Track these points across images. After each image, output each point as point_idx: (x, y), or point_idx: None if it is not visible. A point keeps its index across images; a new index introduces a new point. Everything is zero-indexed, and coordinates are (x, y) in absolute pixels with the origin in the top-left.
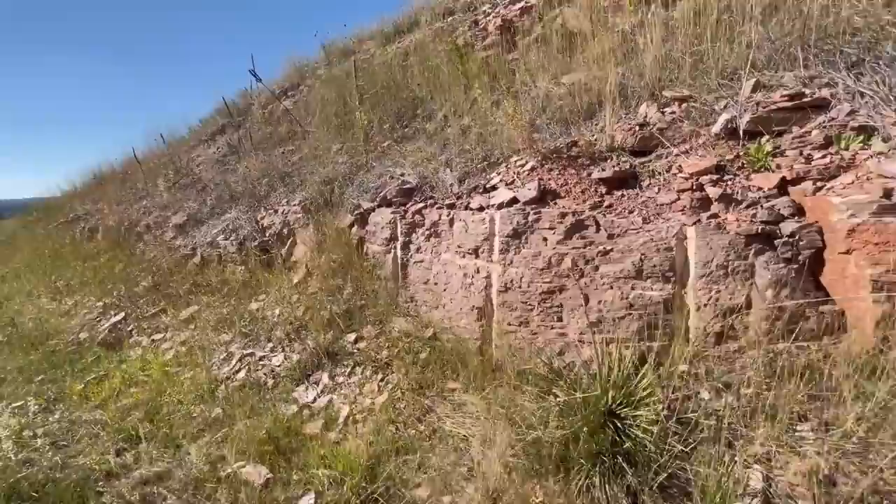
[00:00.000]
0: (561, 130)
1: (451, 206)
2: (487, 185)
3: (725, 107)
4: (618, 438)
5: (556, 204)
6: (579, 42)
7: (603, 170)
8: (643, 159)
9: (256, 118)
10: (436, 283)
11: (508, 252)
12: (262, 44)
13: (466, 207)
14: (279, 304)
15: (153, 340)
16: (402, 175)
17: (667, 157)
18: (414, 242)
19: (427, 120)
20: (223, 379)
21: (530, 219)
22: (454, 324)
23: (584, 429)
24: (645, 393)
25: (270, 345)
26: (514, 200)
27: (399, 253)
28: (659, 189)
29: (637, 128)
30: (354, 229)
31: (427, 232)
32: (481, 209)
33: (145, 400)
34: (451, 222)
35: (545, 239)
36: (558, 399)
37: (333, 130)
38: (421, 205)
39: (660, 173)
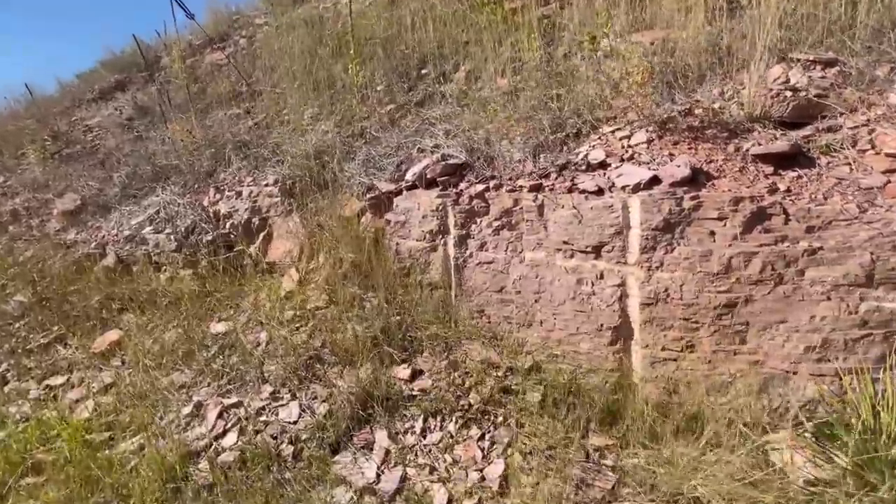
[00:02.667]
0: (661, 96)
1: (537, 188)
2: (591, 161)
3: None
4: None
5: (714, 186)
6: None
7: (758, 143)
8: (801, 132)
9: (174, 73)
10: (518, 292)
11: (655, 251)
12: None
13: (569, 190)
14: (265, 326)
15: (48, 388)
16: (437, 147)
17: (838, 131)
18: (475, 236)
19: (441, 80)
20: (201, 450)
21: (686, 205)
22: (566, 349)
23: None
24: None
25: (268, 388)
26: (653, 181)
27: (452, 251)
28: (851, 168)
29: (788, 93)
30: (367, 218)
31: (496, 222)
32: (599, 192)
33: None
34: (541, 209)
35: (712, 233)
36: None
37: (302, 90)
38: (480, 186)
39: (840, 149)
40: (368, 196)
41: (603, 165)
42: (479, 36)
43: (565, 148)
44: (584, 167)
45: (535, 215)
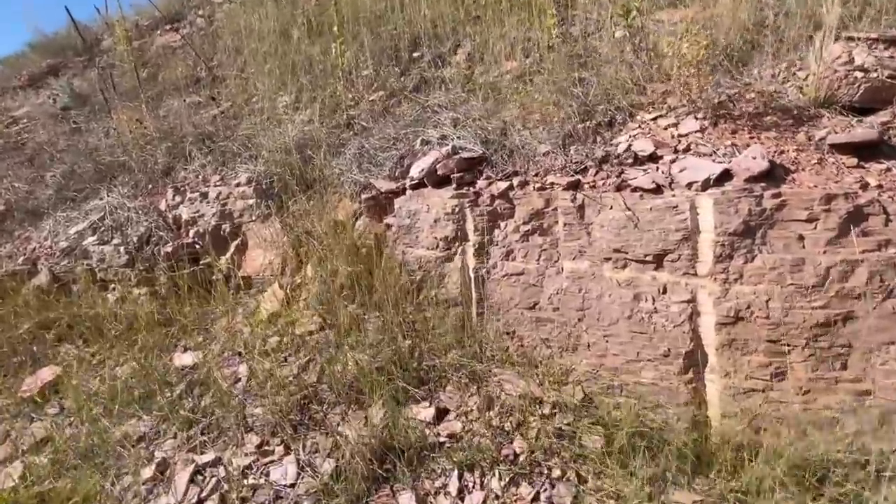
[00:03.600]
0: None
1: (574, 186)
2: (638, 153)
3: None
4: None
5: (794, 181)
6: None
7: (834, 131)
8: (877, 118)
9: (119, 56)
10: (556, 309)
11: (732, 259)
12: None
13: (618, 188)
14: (244, 357)
15: None
16: (445, 139)
17: None
18: (499, 243)
19: (438, 63)
20: None
21: (767, 205)
22: (625, 379)
23: None
24: None
25: (254, 439)
26: (724, 176)
27: (472, 260)
28: None
29: (858, 74)
30: (363, 222)
31: (524, 226)
32: (657, 190)
33: None
34: (582, 211)
35: (801, 237)
36: None
37: (274, 75)
38: (502, 184)
39: None
40: (364, 197)
41: (653, 158)
42: (481, 14)
43: (598, 138)
44: (630, 160)
45: (574, 218)
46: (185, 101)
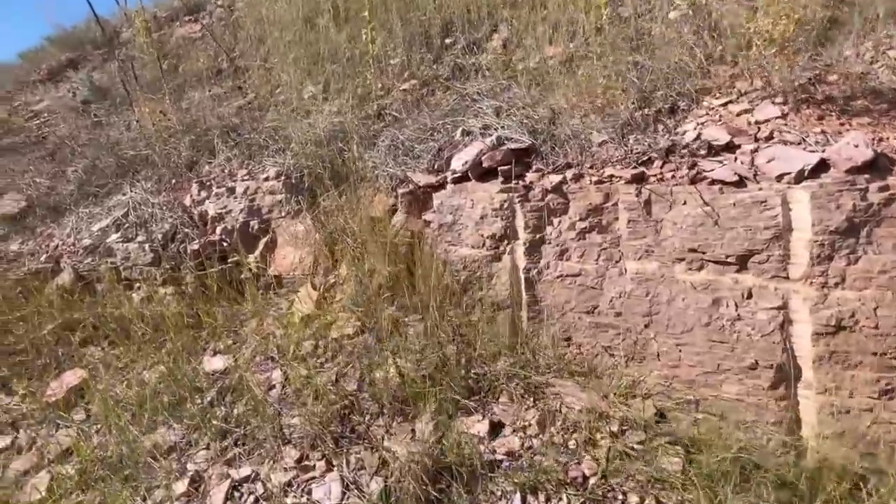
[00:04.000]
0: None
1: (639, 179)
2: (712, 143)
3: None
4: None
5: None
6: None
7: None
8: None
9: (139, 48)
10: (619, 314)
11: (832, 261)
12: None
13: (693, 180)
14: (278, 362)
15: None
16: (487, 128)
17: None
18: (552, 241)
19: (473, 50)
20: None
21: (874, 199)
22: (703, 392)
23: None
24: None
25: (293, 452)
26: (821, 166)
27: (522, 260)
28: None
29: None
30: (399, 218)
31: (581, 223)
32: (739, 182)
33: None
34: (648, 206)
35: None
36: None
37: (299, 65)
38: (555, 177)
39: None
40: (401, 191)
41: (730, 148)
42: None
43: (660, 126)
44: (702, 151)
45: (639, 214)
46: (208, 92)
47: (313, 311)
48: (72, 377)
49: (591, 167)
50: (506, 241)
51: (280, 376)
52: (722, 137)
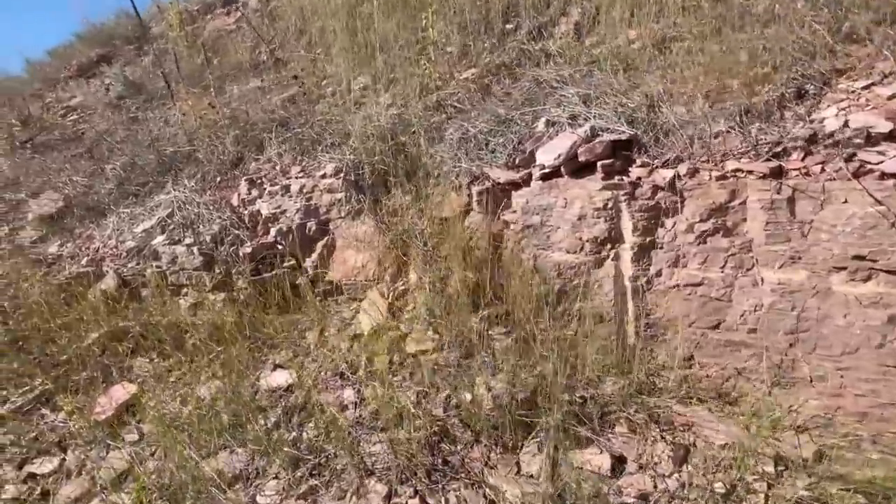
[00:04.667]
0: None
1: (777, 173)
2: (871, 131)
3: None
4: None
5: None
6: None
7: None
8: None
9: (173, 41)
10: (753, 331)
11: None
12: None
13: (855, 174)
14: (350, 379)
15: (31, 478)
16: (575, 118)
17: None
18: (665, 245)
19: (540, 35)
20: None
21: None
22: (878, 427)
23: None
24: None
25: (379, 487)
26: None
27: (629, 267)
28: None
29: None
30: (474, 219)
31: (701, 224)
32: None
33: None
34: (792, 205)
35: None
36: None
37: (346, 55)
38: (666, 172)
39: None
40: (476, 189)
41: (892, 136)
42: None
43: (786, 113)
44: (858, 140)
45: (781, 214)
46: (248, 85)
47: (384, 322)
48: (121, 392)
49: (705, 160)
50: (609, 245)
51: (353, 395)
52: (880, 125)
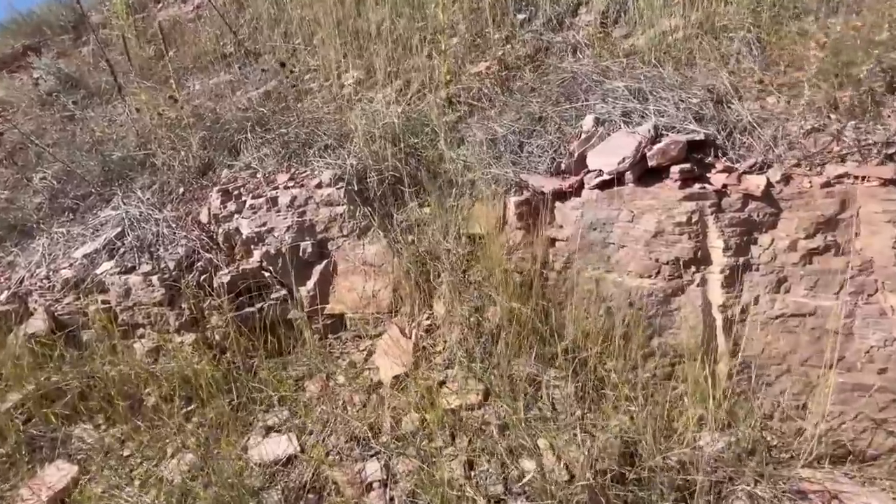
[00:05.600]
0: None
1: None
2: None
3: None
4: None
5: None
6: None
7: None
8: None
9: (120, 30)
10: (883, 371)
11: None
12: None
13: None
14: (373, 446)
15: None
16: (629, 115)
17: None
18: (761, 267)
19: (560, 25)
20: None
21: None
22: None
23: None
24: None
25: None
26: None
27: (718, 294)
28: None
29: None
30: (512, 234)
31: (807, 241)
32: None
33: None
34: None
35: None
36: None
37: (333, 47)
38: (758, 178)
39: None
40: (514, 200)
41: None
42: None
43: (882, 111)
44: None
45: None
46: (220, 78)
47: (411, 368)
48: (55, 475)
49: (795, 164)
50: (693, 268)
51: (378, 469)
52: None
